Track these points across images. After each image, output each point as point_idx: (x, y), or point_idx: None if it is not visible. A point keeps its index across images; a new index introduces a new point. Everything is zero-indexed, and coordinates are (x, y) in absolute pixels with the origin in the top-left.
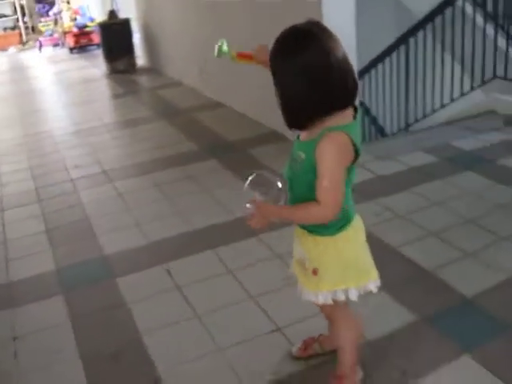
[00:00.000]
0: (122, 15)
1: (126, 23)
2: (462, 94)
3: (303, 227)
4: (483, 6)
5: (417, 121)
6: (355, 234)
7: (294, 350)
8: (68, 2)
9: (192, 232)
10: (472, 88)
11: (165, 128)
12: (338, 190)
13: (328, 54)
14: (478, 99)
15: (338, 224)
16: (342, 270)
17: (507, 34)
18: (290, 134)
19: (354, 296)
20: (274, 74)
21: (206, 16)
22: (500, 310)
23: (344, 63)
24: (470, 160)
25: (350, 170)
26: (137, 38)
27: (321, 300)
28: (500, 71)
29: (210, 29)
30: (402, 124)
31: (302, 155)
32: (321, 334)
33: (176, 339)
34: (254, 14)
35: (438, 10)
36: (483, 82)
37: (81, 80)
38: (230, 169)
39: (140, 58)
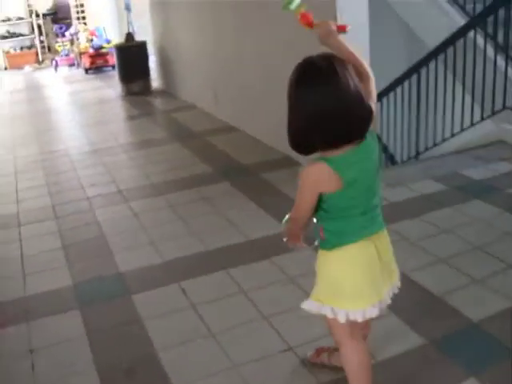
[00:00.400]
0: (138, 38)
1: (142, 46)
2: (472, 124)
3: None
4: (494, 37)
5: (427, 149)
6: (352, 259)
7: (309, 354)
8: (85, 24)
9: (205, 252)
10: (482, 118)
11: (179, 150)
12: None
13: (343, 94)
14: (487, 129)
15: (331, 241)
16: (329, 286)
17: None
18: (303, 160)
19: (342, 318)
20: (290, 98)
21: (222, 40)
22: (506, 335)
23: (355, 99)
24: (479, 189)
25: (338, 196)
26: (152, 61)
27: (308, 308)
28: (510, 102)
29: (224, 54)
30: (413, 152)
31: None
32: (334, 347)
33: (191, 356)
34: (270, 40)
35: (449, 41)
36: (493, 113)
37: (96, 101)
38: (243, 191)
39: (155, 81)
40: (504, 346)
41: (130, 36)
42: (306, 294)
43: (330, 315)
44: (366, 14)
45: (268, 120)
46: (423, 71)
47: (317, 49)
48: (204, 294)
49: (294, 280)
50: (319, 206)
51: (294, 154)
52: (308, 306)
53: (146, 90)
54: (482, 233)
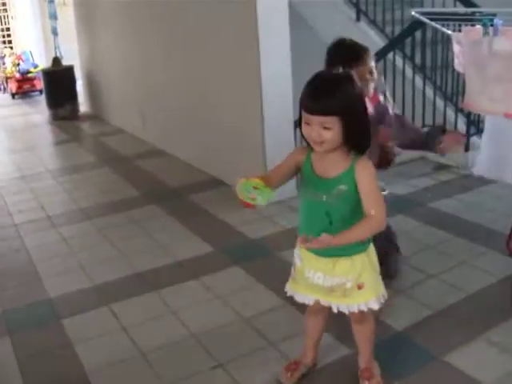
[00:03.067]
0: (66, 62)
1: (69, 70)
2: None
3: (335, 255)
4: (412, 58)
5: None
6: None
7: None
8: (11, 48)
9: (135, 274)
10: None
11: (107, 174)
12: (383, 203)
13: None
14: None
15: (369, 238)
16: (377, 277)
17: (434, 84)
18: (230, 181)
19: (385, 296)
20: (359, 106)
21: (150, 64)
22: (427, 342)
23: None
24: (401, 204)
25: None
26: (80, 85)
27: (366, 308)
28: (428, 120)
29: (152, 77)
30: None
31: (344, 187)
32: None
33: (122, 377)
34: (197, 64)
35: None
36: None
37: (23, 126)
38: (171, 214)
39: (83, 105)
40: (425, 352)
41: (56, 60)
42: (234, 312)
43: (383, 301)
44: (287, 36)
45: (195, 143)
46: None
47: (244, 75)
48: (134, 316)
49: (223, 298)
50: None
51: (221, 176)
52: (372, 305)
53: (74, 114)
54: (404, 245)
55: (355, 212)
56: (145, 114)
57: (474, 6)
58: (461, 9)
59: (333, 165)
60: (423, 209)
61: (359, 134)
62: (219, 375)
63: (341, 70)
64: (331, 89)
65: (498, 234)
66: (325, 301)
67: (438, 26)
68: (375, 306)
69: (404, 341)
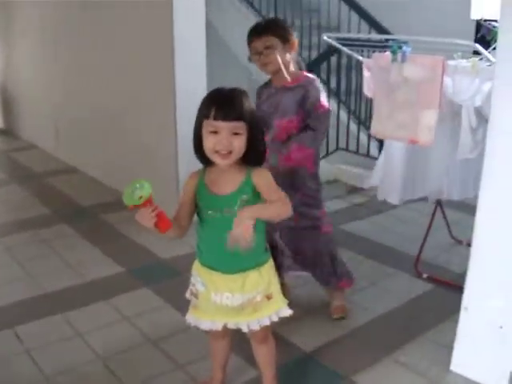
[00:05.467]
0: None
1: None
2: None
3: (244, 269)
4: (327, 83)
5: None
6: None
7: None
8: None
9: (42, 295)
10: None
11: (17, 192)
12: (287, 198)
13: None
14: (323, 169)
15: (267, 248)
16: (279, 286)
17: (348, 108)
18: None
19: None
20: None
21: (63, 79)
22: (336, 363)
23: None
24: None
25: None
26: None
27: (277, 318)
28: (342, 144)
29: (64, 94)
30: None
31: (246, 197)
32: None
33: None
34: (111, 83)
35: None
36: (327, 153)
37: None
38: (81, 233)
39: None
40: (335, 374)
41: None
42: (142, 334)
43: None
44: (204, 53)
45: (108, 161)
46: None
47: (159, 91)
48: (39, 338)
49: (131, 320)
50: None
51: None
52: (281, 314)
53: None
54: None
55: (261, 220)
56: (58, 130)
57: (387, 33)
58: (375, 35)
59: (231, 180)
60: (335, 230)
61: (261, 144)
62: None
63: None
64: (238, 97)
65: (407, 256)
66: (233, 323)
67: (349, 52)
68: (286, 314)
69: (312, 362)
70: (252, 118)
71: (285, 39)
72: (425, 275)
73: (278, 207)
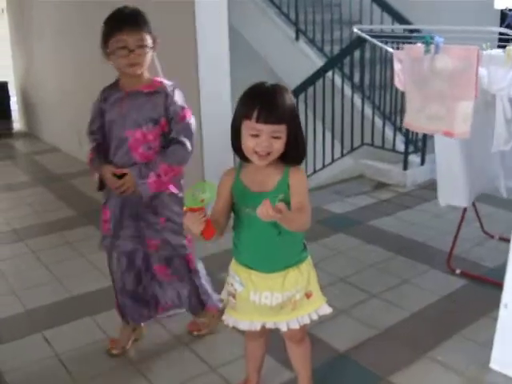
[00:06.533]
0: (1, 78)
1: (3, 86)
2: (333, 160)
3: (284, 268)
4: (351, 77)
5: None
6: None
7: None
8: None
9: (70, 298)
10: (342, 154)
11: (42, 194)
12: (310, 208)
13: None
14: (348, 165)
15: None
16: (318, 284)
17: (373, 103)
18: None
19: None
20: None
21: (85, 82)
22: (371, 362)
23: None
24: (341, 222)
25: None
26: (14, 102)
27: (317, 316)
28: (367, 139)
29: (88, 96)
30: None
31: (282, 196)
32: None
33: None
34: None
35: (309, 81)
36: (352, 149)
37: None
38: None
39: (17, 123)
40: (371, 374)
41: None
42: (172, 334)
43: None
44: (227, 56)
45: None
46: None
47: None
48: (68, 342)
49: (160, 321)
50: None
51: None
52: (321, 312)
53: (7, 132)
54: (345, 265)
55: None
56: (81, 133)
57: (410, 24)
58: (398, 26)
59: (269, 178)
60: (363, 227)
61: (301, 143)
62: None
63: None
64: (281, 96)
65: (439, 252)
66: (271, 322)
67: (380, 44)
68: (326, 312)
69: (347, 362)
70: (293, 118)
71: (153, 37)
72: (458, 271)
73: (301, 217)
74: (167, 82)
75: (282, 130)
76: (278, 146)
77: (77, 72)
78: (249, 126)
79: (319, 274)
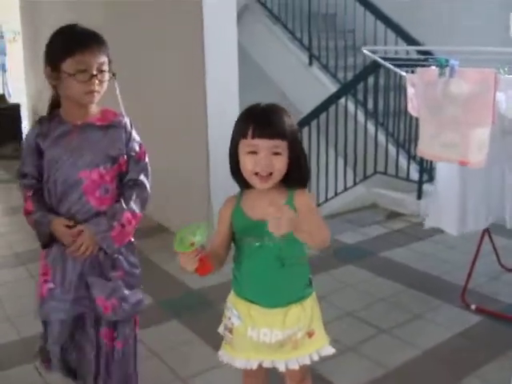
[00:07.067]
0: (14, 100)
1: (15, 108)
2: (346, 189)
3: (286, 303)
4: (364, 104)
5: None
6: None
7: None
8: None
9: None
10: (355, 183)
11: None
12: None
13: None
14: (360, 193)
15: (311, 281)
16: (321, 322)
17: (386, 130)
18: (174, 227)
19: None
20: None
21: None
22: None
23: None
24: (352, 253)
25: None
26: (26, 125)
27: (318, 357)
28: (380, 167)
29: None
30: None
31: None
32: None
33: None
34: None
35: (322, 107)
36: (365, 177)
37: None
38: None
39: None
40: None
41: (2, 98)
42: (170, 369)
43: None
44: (236, 77)
45: None
46: None
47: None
48: (59, 375)
49: (158, 355)
50: None
51: (164, 222)
52: (329, 350)
53: (18, 153)
54: (354, 298)
55: (303, 245)
56: None
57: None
58: (411, 47)
59: (271, 204)
60: (374, 258)
61: (304, 164)
62: None
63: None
64: (278, 112)
65: (453, 286)
66: (269, 361)
67: (392, 67)
68: (329, 353)
69: None
70: (294, 136)
71: (110, 61)
72: (473, 306)
73: (327, 233)
74: (122, 114)
75: (281, 145)
76: (280, 165)
77: None
78: (245, 144)
79: (326, 307)
